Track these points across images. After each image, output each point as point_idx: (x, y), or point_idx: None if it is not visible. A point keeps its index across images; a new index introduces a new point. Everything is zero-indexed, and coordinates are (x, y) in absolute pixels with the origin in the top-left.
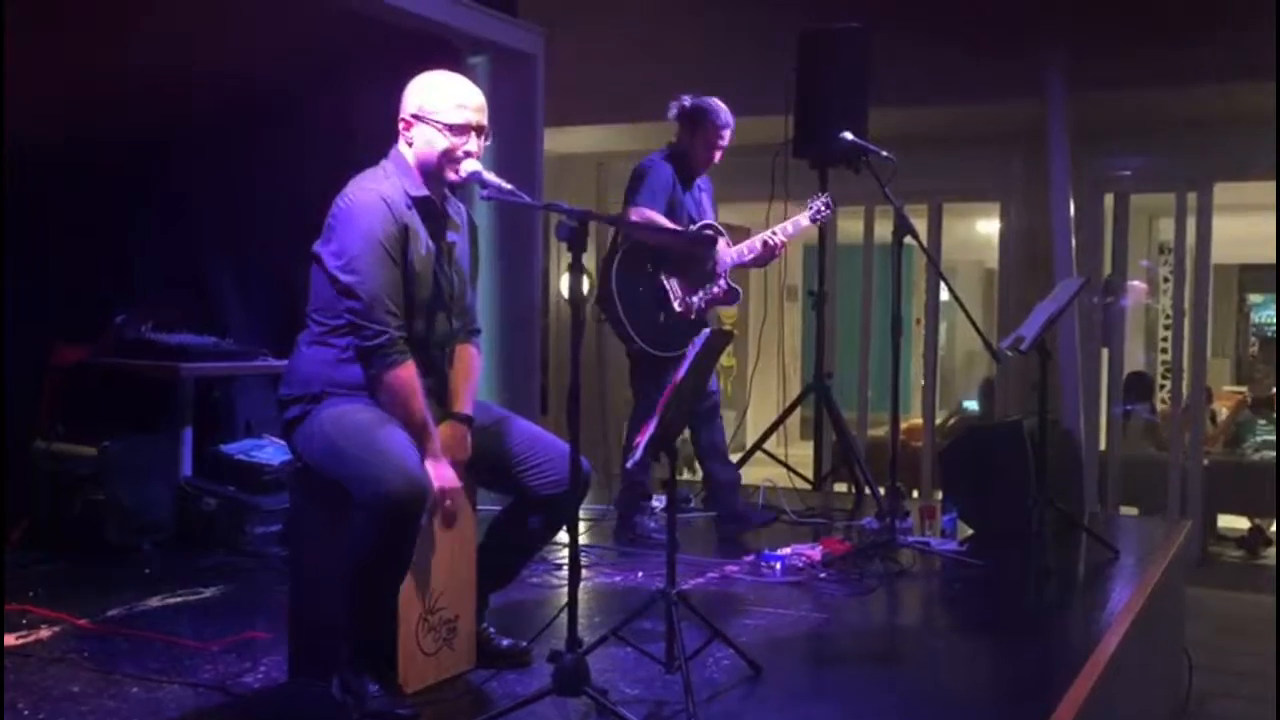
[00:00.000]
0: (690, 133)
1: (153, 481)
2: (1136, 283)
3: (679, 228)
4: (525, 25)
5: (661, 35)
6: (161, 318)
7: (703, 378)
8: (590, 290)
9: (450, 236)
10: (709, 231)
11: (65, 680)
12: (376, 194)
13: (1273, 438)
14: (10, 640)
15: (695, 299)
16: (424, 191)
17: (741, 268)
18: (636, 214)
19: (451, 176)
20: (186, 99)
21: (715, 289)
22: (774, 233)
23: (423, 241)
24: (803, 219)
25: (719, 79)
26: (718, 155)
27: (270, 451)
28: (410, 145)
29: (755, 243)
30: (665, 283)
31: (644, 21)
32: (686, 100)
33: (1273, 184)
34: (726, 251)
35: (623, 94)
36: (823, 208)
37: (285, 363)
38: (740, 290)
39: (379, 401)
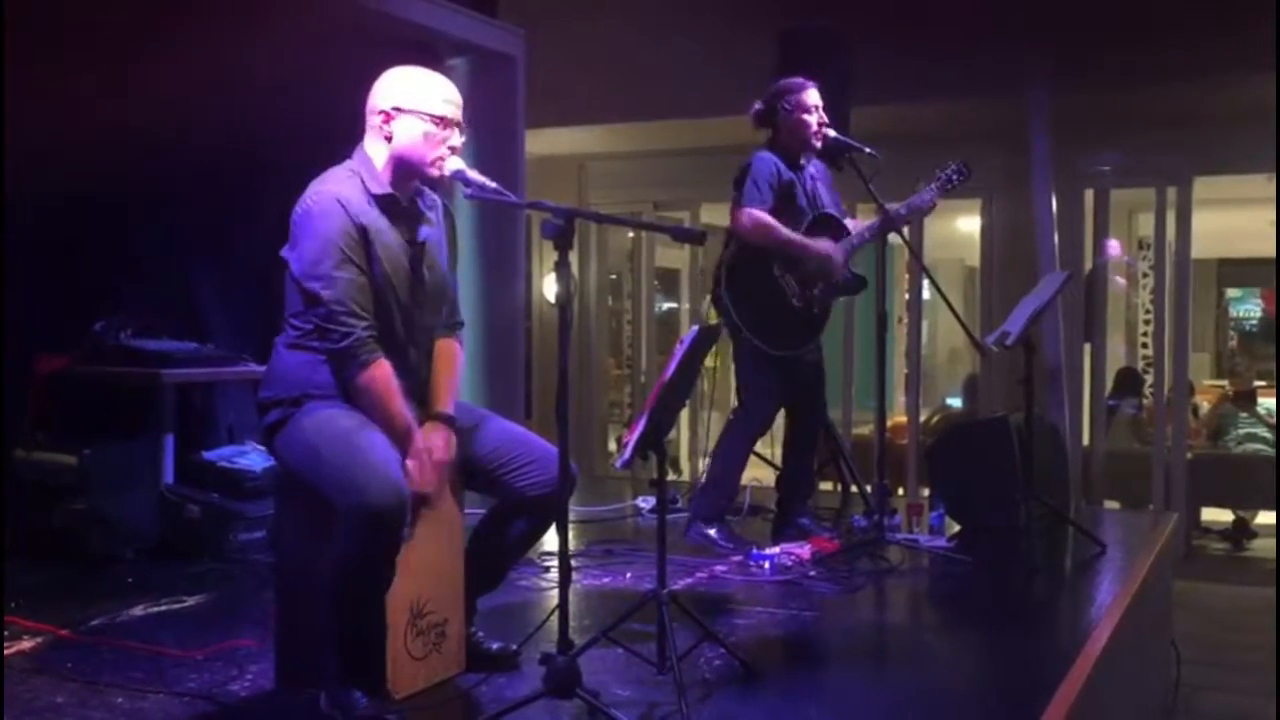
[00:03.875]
0: (775, 117)
1: (134, 489)
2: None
3: (792, 234)
4: (505, 27)
5: (641, 36)
6: (141, 324)
7: (691, 375)
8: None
9: (423, 232)
10: (824, 221)
11: (49, 691)
12: (332, 196)
13: (1254, 430)
14: None
15: (816, 291)
16: (387, 190)
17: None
18: (747, 217)
19: (434, 173)
20: (168, 110)
21: (837, 279)
22: (899, 209)
23: (389, 240)
24: (926, 195)
25: (699, 79)
26: (813, 122)
27: (253, 458)
28: (388, 140)
29: (875, 222)
30: (782, 280)
31: (624, 23)
32: (758, 101)
33: (1252, 179)
34: (847, 238)
35: (603, 95)
36: (954, 175)
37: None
38: (866, 278)
39: (358, 405)
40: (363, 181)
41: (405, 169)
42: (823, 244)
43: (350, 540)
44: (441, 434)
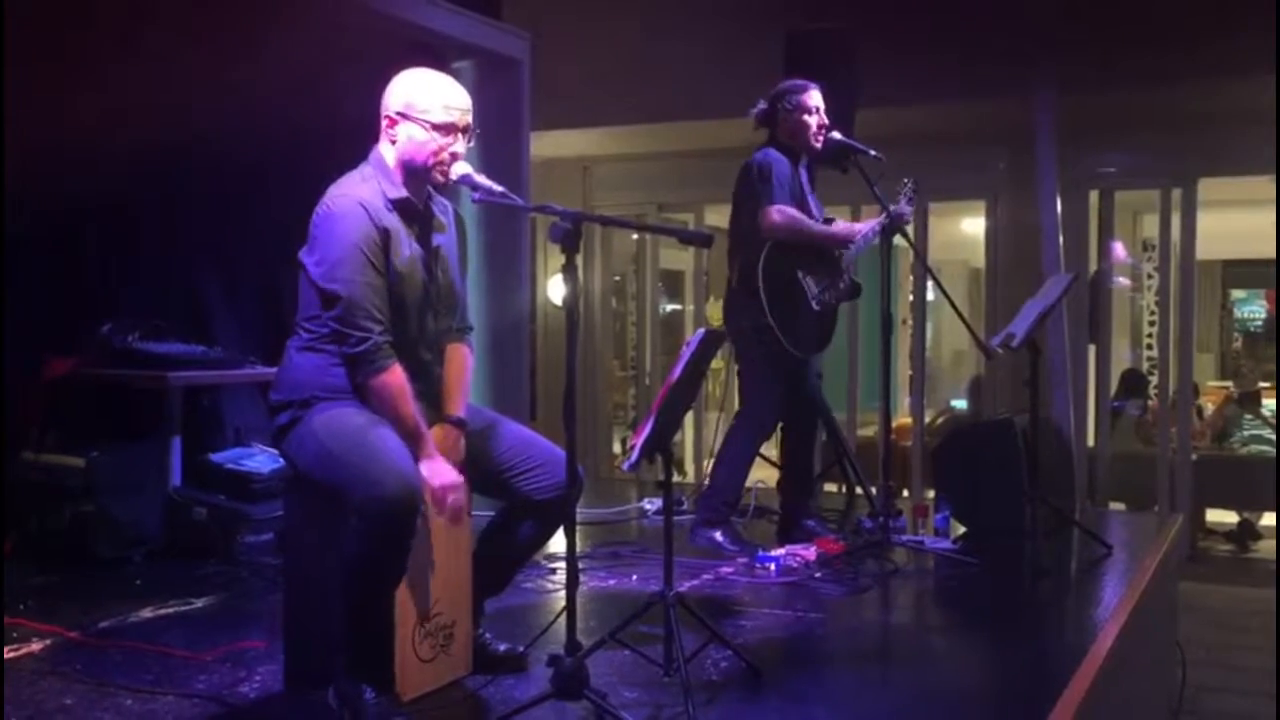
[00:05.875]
0: (778, 119)
1: (142, 492)
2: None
3: (819, 225)
4: (510, 30)
5: (647, 38)
6: (148, 327)
7: (697, 378)
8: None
9: (436, 236)
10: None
11: (58, 693)
12: (354, 200)
13: (1259, 432)
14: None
15: (829, 295)
16: (403, 193)
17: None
18: (779, 214)
19: (439, 178)
20: (175, 114)
21: (842, 284)
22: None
23: (405, 243)
24: (904, 208)
25: (705, 81)
26: (813, 123)
27: (260, 460)
28: (393, 144)
29: (869, 231)
30: (804, 282)
31: (629, 24)
32: (761, 100)
33: (1256, 180)
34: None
35: (608, 98)
36: (912, 193)
37: (274, 370)
38: (862, 285)
39: (369, 407)
40: (380, 185)
41: (411, 173)
42: (841, 227)
43: (363, 536)
44: (452, 437)
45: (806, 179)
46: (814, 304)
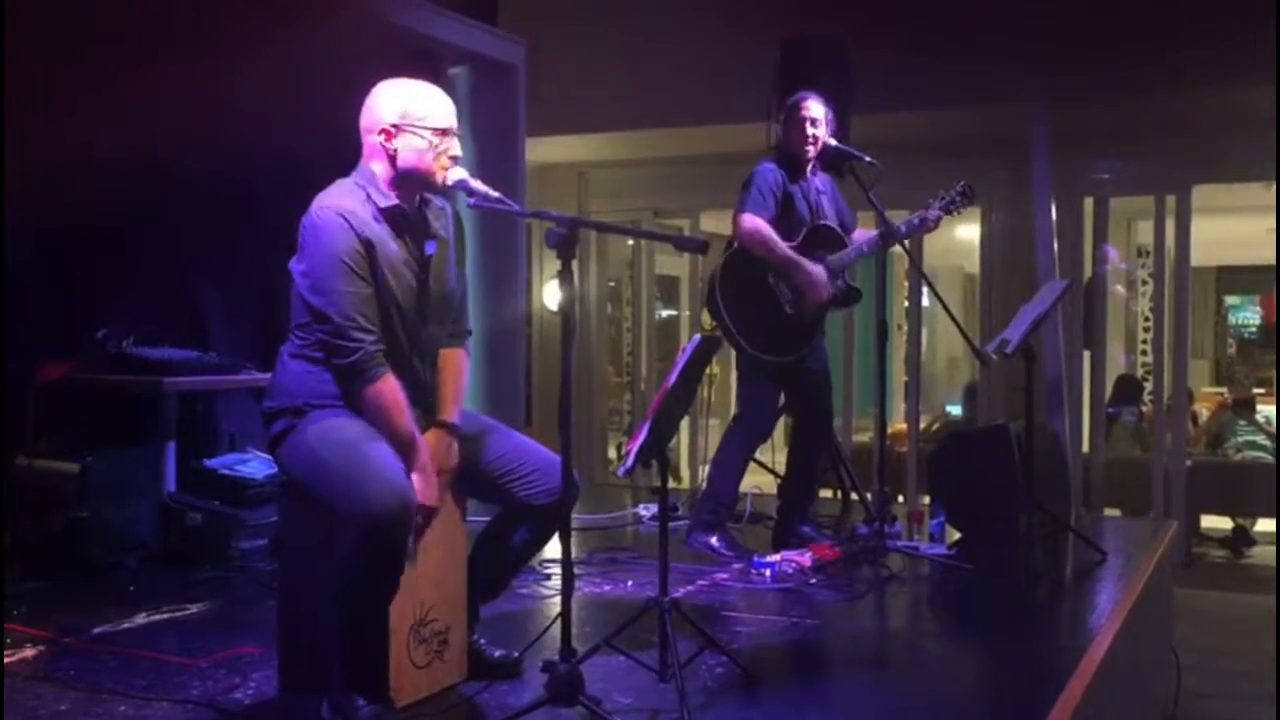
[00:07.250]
0: (782, 127)
1: (137, 497)
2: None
3: (785, 250)
4: (506, 36)
5: (642, 44)
6: (144, 332)
7: (693, 383)
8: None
9: (429, 242)
10: (822, 232)
11: (53, 699)
12: (336, 211)
13: (1253, 438)
14: None
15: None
16: (393, 201)
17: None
18: (747, 222)
19: (440, 183)
20: (171, 121)
21: (836, 289)
22: (900, 226)
23: (393, 251)
24: (931, 214)
25: (700, 88)
26: (810, 130)
27: (255, 465)
28: (390, 156)
29: (874, 235)
30: (774, 287)
31: (625, 30)
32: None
33: (1250, 187)
34: (842, 251)
35: (604, 103)
36: (958, 198)
37: (269, 376)
38: (861, 290)
39: (363, 416)
40: (369, 194)
41: (411, 182)
42: (813, 268)
43: (355, 547)
44: (445, 443)
45: (826, 189)
46: (787, 308)
